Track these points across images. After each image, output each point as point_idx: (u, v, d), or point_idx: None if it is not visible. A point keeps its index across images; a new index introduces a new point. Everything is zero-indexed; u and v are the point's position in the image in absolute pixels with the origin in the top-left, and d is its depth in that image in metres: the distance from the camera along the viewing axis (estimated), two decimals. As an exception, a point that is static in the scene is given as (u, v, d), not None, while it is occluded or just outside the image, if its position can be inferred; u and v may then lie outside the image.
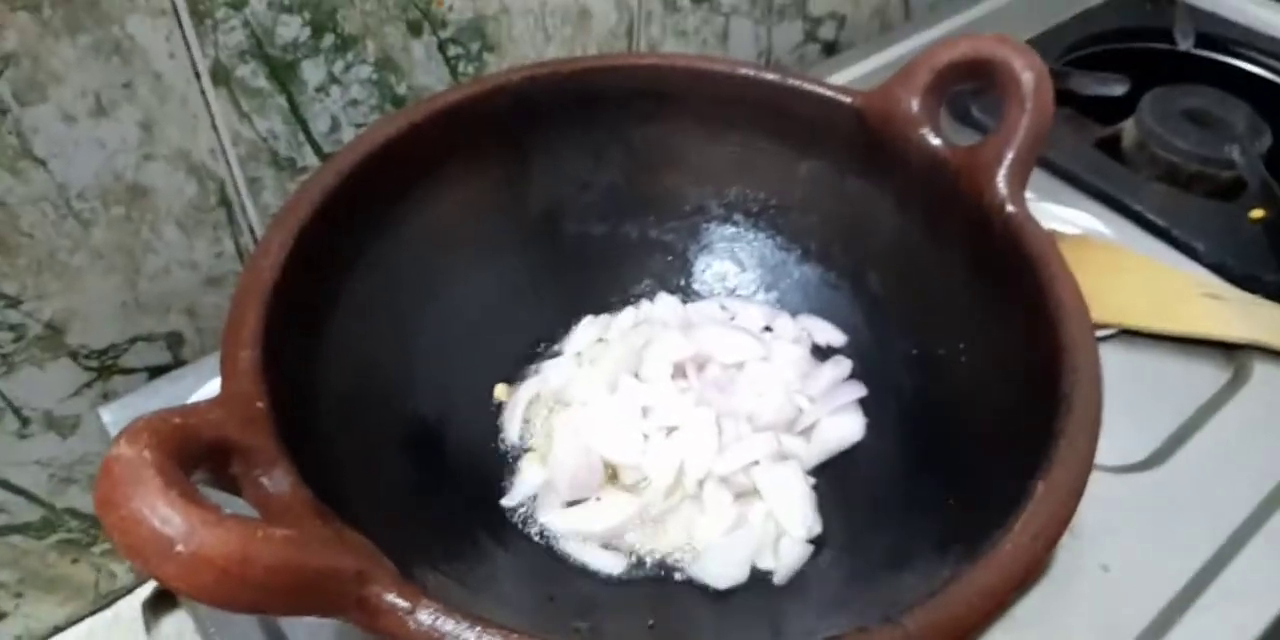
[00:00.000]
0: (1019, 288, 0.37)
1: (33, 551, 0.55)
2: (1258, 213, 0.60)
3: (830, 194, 0.46)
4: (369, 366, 0.38)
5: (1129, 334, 0.53)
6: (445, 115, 0.41)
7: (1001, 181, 0.39)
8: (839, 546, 0.38)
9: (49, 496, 0.54)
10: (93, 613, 0.61)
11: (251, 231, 0.52)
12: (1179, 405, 0.50)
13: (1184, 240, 0.58)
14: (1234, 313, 0.53)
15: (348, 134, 0.52)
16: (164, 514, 0.23)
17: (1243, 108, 0.66)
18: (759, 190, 0.48)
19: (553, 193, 0.47)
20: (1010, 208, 0.39)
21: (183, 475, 0.24)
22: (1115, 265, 0.56)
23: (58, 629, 0.60)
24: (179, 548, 0.22)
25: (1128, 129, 0.68)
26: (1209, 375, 0.52)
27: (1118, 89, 0.67)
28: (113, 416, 0.48)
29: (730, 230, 0.49)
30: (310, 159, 0.52)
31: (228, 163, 0.49)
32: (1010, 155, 0.39)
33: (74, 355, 0.49)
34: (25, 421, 0.50)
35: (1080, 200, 0.61)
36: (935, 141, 0.42)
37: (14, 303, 0.45)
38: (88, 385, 0.51)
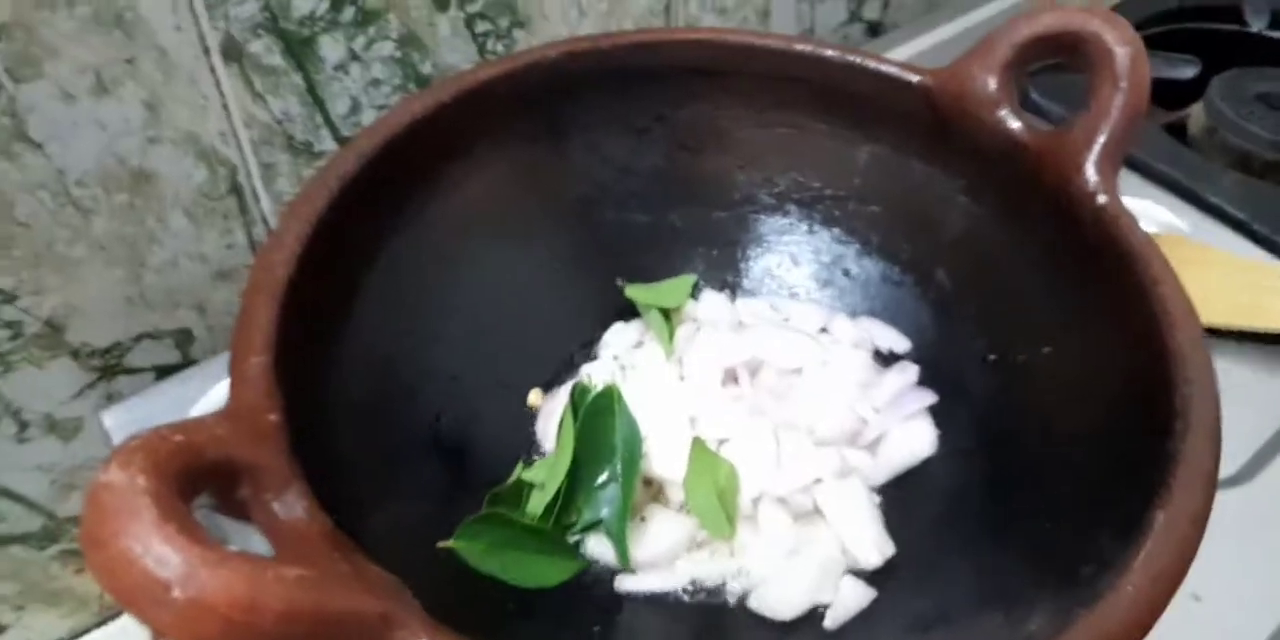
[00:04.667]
0: (1114, 288, 0.33)
1: (34, 562, 0.52)
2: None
3: (893, 181, 0.42)
4: (389, 373, 0.34)
5: (1210, 334, 0.49)
6: (476, 94, 0.37)
7: (1091, 168, 0.35)
8: (907, 580, 0.34)
9: (50, 504, 0.51)
10: (98, 625, 0.58)
11: (265, 221, 0.49)
12: (1268, 413, 0.46)
13: (1264, 233, 0.54)
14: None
15: (368, 116, 0.49)
16: (159, 553, 0.19)
17: (1320, 93, 0.62)
18: (814, 177, 0.44)
19: (589, 179, 0.43)
20: (1102, 198, 0.35)
21: (182, 505, 0.21)
22: (1191, 259, 0.52)
23: (61, 642, 0.57)
24: (176, 593, 0.19)
25: (1195, 114, 0.63)
26: (1300, 380, 0.48)
27: (1188, 71, 0.63)
28: (115, 421, 0.45)
29: (782, 221, 0.45)
30: (328, 143, 0.48)
31: (239, 147, 0.45)
32: (1102, 139, 0.35)
33: (75, 354, 0.46)
34: (24, 425, 0.47)
35: (1149, 190, 0.57)
36: (1014, 124, 0.38)
37: (9, 298, 0.42)
38: (90, 386, 0.48)
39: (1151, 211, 0.55)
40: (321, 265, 0.30)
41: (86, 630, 0.58)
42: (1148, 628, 0.24)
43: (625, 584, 0.35)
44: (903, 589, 0.34)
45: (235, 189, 0.46)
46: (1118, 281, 0.33)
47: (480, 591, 0.31)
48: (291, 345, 0.28)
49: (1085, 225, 0.35)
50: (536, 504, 0.35)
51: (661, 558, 0.35)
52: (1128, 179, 0.58)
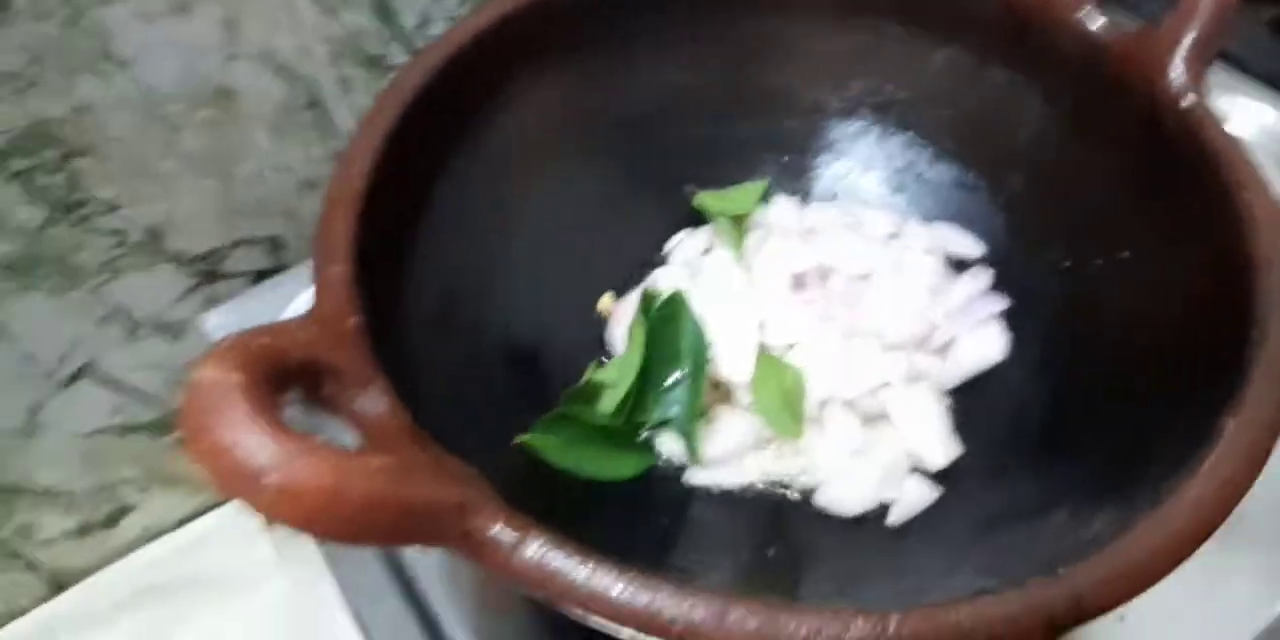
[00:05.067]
0: (1197, 193, 0.32)
1: (153, 449, 0.57)
2: None
3: (968, 86, 0.41)
4: (462, 280, 0.35)
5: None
6: (540, 5, 0.37)
7: (1177, 69, 0.34)
8: (973, 480, 0.35)
9: (164, 398, 0.55)
10: (214, 507, 0.63)
11: (345, 133, 0.50)
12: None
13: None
14: None
15: (438, 29, 0.49)
16: (252, 443, 0.21)
17: None
18: (887, 82, 0.43)
19: (656, 89, 0.43)
20: (1188, 99, 0.33)
21: (272, 400, 0.23)
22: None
23: (182, 522, 0.62)
24: (269, 479, 0.21)
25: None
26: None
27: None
28: (215, 322, 0.48)
29: (853, 127, 0.44)
30: (400, 57, 0.49)
31: (315, 62, 0.46)
32: (1190, 37, 0.34)
33: (176, 261, 0.49)
34: (135, 326, 0.50)
35: (1254, 92, 0.54)
36: (1095, 23, 0.36)
37: (112, 208, 0.45)
38: (192, 290, 0.51)
39: (1251, 113, 0.52)
40: (395, 177, 0.32)
41: (206, 511, 0.63)
42: (1211, 531, 0.24)
43: (694, 478, 0.36)
44: (968, 489, 0.35)
45: (314, 103, 0.48)
46: (1200, 186, 0.32)
47: (553, 484, 0.33)
48: (369, 254, 0.29)
49: (1168, 128, 0.34)
50: (608, 403, 0.36)
51: (730, 454, 0.36)
52: (1223, 79, 0.54)
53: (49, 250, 0.44)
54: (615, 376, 0.37)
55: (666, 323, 0.37)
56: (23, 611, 0.57)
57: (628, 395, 0.36)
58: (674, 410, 0.36)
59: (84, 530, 0.57)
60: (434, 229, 0.34)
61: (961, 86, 0.41)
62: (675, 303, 0.37)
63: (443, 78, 0.34)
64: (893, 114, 0.43)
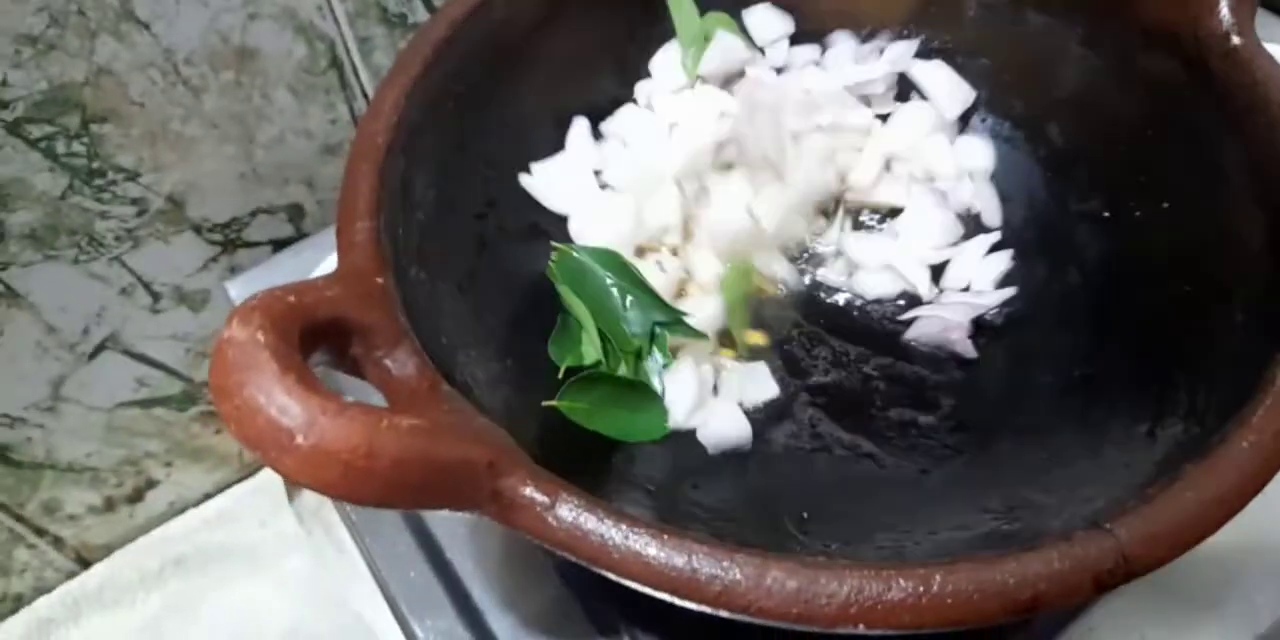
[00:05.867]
0: (1244, 135, 0.31)
1: (177, 423, 0.56)
2: None
3: (1005, 32, 0.40)
4: (489, 236, 0.35)
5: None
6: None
7: (1225, 7, 0.32)
8: (1019, 426, 0.34)
9: (187, 370, 0.54)
10: (239, 480, 0.63)
11: (365, 96, 0.49)
12: None
13: None
14: None
15: (460, -15, 0.48)
16: (282, 403, 0.20)
17: None
18: (920, 28, 0.42)
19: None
20: (1236, 39, 0.32)
21: (300, 359, 0.22)
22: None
23: (207, 496, 0.62)
24: (299, 440, 0.20)
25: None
26: None
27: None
28: (239, 290, 0.47)
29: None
30: (421, 15, 0.48)
31: (336, 21, 0.45)
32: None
33: (197, 229, 0.48)
34: (156, 297, 0.50)
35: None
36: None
37: (132, 175, 0.44)
38: (214, 259, 0.50)
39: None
40: (419, 133, 0.31)
41: (230, 484, 0.63)
42: (1262, 485, 0.23)
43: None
44: (1015, 435, 0.34)
45: (335, 63, 0.47)
46: (1249, 127, 0.31)
47: (578, 443, 0.32)
48: (393, 212, 0.29)
49: (1215, 70, 0.32)
50: (591, 352, 0.35)
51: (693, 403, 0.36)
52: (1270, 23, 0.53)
53: (70, 219, 0.44)
54: (577, 329, 0.36)
55: (579, 275, 0.36)
56: (50, 588, 0.57)
57: (602, 337, 0.35)
58: (640, 327, 0.36)
59: (109, 505, 0.57)
60: (460, 184, 0.33)
61: (998, 33, 0.40)
62: (569, 258, 0.36)
63: (465, 32, 0.33)
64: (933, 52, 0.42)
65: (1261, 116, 0.30)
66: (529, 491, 0.23)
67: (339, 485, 0.21)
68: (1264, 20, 0.52)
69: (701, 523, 0.31)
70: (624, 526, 0.23)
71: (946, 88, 0.41)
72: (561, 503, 0.23)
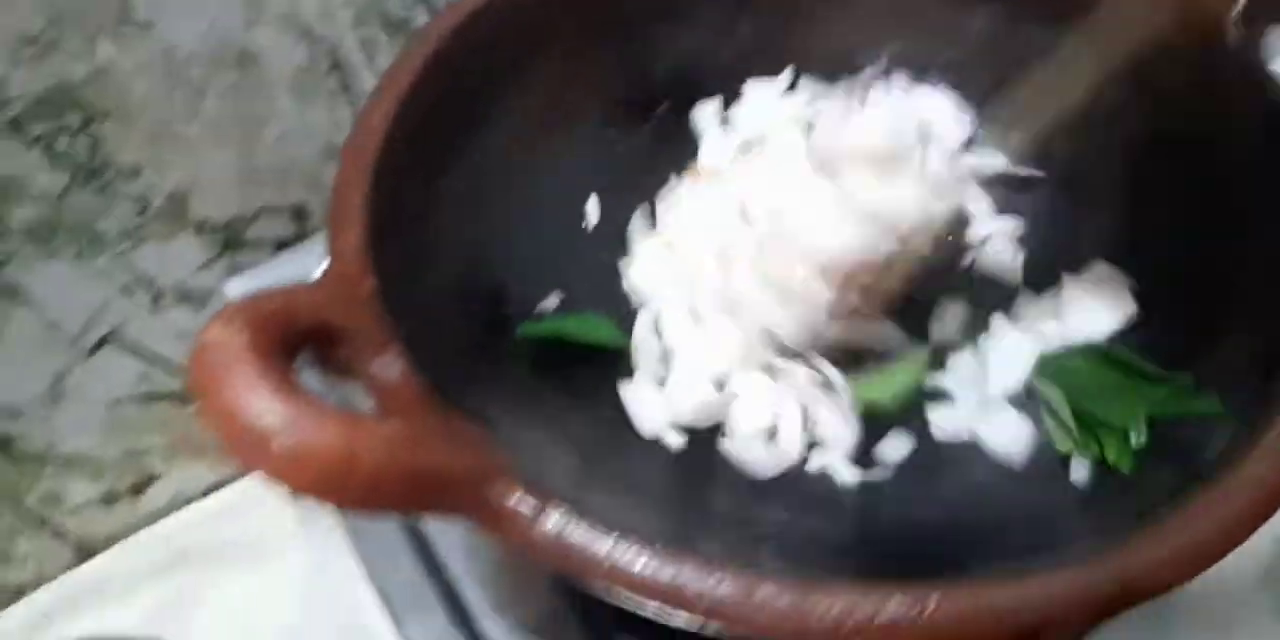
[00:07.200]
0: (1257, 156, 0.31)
1: (178, 418, 0.57)
2: None
3: (1011, 47, 0.39)
4: (481, 245, 0.35)
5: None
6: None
7: (1240, 22, 0.32)
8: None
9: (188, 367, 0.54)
10: (242, 475, 0.63)
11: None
12: None
13: None
14: None
15: (463, -11, 0.48)
16: (260, 405, 0.20)
17: None
18: (924, 44, 0.41)
19: (684, 49, 0.41)
20: (1253, 55, 0.32)
21: (282, 361, 0.22)
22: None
23: (208, 491, 0.62)
24: (276, 443, 0.20)
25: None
26: None
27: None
28: (238, 291, 0.48)
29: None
30: (424, 18, 0.48)
31: (338, 24, 0.45)
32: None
33: (199, 228, 0.49)
34: (158, 294, 0.50)
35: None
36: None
37: (134, 174, 0.44)
38: (215, 259, 0.51)
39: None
40: (412, 141, 0.31)
41: (231, 479, 0.63)
42: (1273, 510, 0.23)
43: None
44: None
45: (337, 66, 0.47)
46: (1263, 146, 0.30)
47: (563, 454, 0.32)
48: (385, 219, 0.29)
49: (1231, 87, 0.32)
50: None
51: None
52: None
53: (71, 217, 0.44)
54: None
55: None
56: (49, 579, 0.57)
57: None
58: None
59: (110, 498, 0.57)
60: (452, 193, 0.33)
61: (1004, 48, 0.39)
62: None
63: (461, 40, 0.33)
64: (929, 79, 0.42)
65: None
66: (515, 501, 0.23)
67: (316, 489, 0.21)
68: None
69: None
70: (611, 539, 0.23)
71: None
72: (550, 512, 0.23)
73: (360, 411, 0.23)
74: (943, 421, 0.35)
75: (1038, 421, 0.34)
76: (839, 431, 0.35)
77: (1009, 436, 0.34)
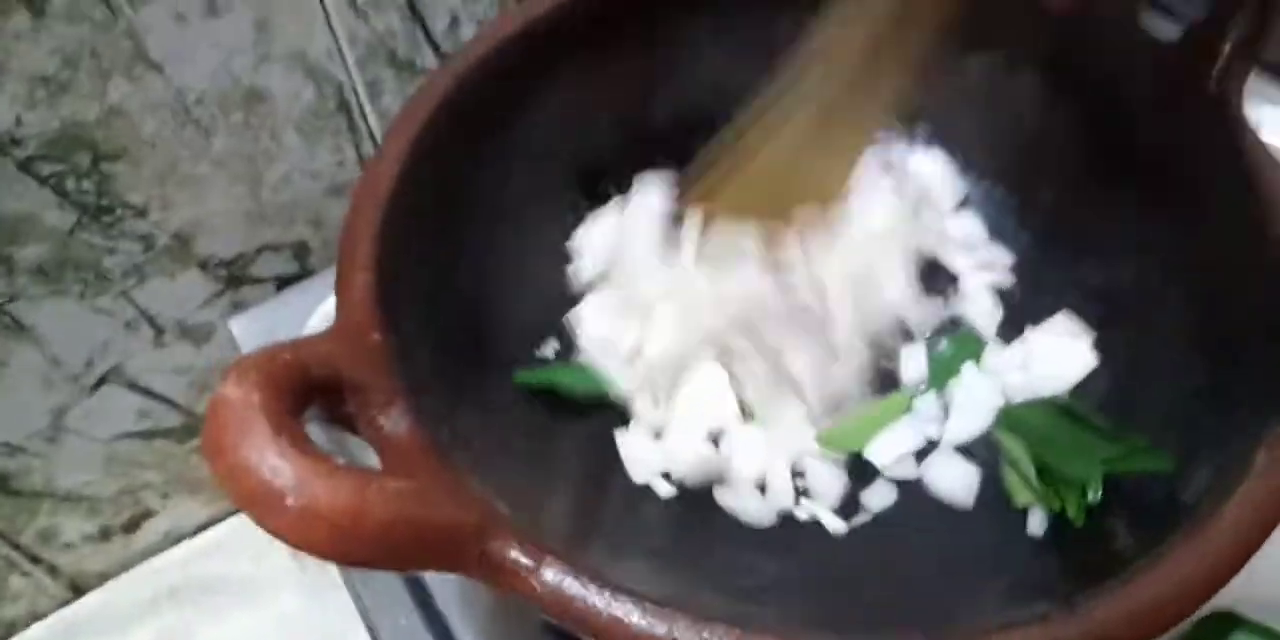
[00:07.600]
0: (1231, 203, 0.31)
1: (176, 455, 0.57)
2: None
3: (1000, 94, 0.40)
4: (492, 291, 0.35)
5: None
6: (565, 9, 0.37)
7: (1218, 77, 0.33)
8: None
9: (188, 403, 0.55)
10: (236, 512, 0.63)
11: (373, 138, 0.50)
12: None
13: None
14: None
15: (467, 31, 0.49)
16: (274, 464, 0.21)
17: None
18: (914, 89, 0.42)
19: (685, 93, 0.42)
20: (1229, 109, 0.32)
21: (293, 419, 0.22)
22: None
23: (203, 527, 0.62)
24: (289, 501, 0.21)
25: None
26: None
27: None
28: (241, 328, 0.48)
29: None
30: (430, 60, 0.49)
31: (345, 64, 0.46)
32: (1230, 44, 0.32)
33: (203, 265, 0.49)
34: (160, 331, 0.50)
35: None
36: (1134, 28, 0.35)
37: (141, 213, 0.45)
38: (218, 295, 0.51)
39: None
40: (423, 185, 0.31)
41: (226, 516, 0.63)
42: (1240, 565, 0.23)
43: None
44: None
45: (343, 106, 0.47)
46: (1236, 197, 0.31)
47: (558, 501, 0.33)
48: (393, 265, 0.29)
49: (1202, 139, 0.33)
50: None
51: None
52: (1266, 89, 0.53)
53: (78, 254, 0.44)
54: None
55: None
56: (43, 615, 0.57)
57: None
58: None
59: (105, 534, 0.57)
60: (460, 238, 0.34)
61: (993, 95, 0.40)
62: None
63: (470, 85, 0.34)
64: (920, 126, 0.43)
65: (1254, 191, 0.30)
66: (515, 554, 0.23)
67: (326, 547, 0.21)
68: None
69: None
70: (607, 593, 0.23)
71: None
72: (547, 566, 0.23)
73: (366, 468, 0.23)
74: (894, 463, 0.35)
75: (993, 471, 0.35)
76: (828, 483, 0.35)
77: (957, 483, 0.35)
